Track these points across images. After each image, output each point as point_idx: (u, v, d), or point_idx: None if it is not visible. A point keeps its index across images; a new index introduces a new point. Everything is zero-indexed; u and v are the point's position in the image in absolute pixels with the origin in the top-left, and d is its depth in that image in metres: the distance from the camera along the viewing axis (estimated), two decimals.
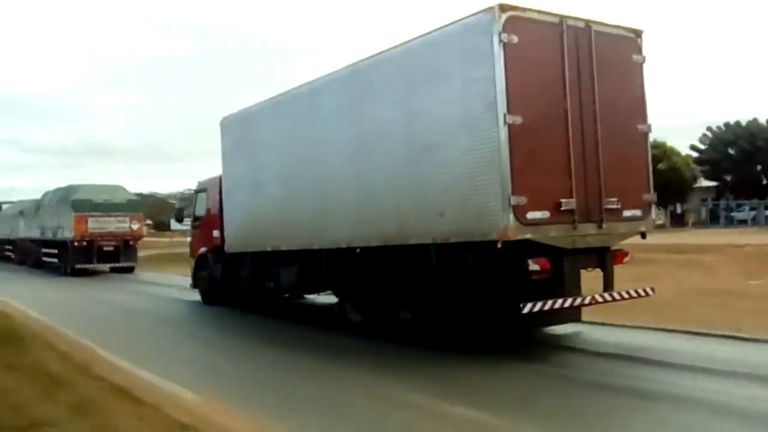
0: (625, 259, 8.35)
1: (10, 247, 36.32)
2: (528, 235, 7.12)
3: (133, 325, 12.11)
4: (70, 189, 25.29)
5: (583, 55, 7.69)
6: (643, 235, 8.42)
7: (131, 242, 24.80)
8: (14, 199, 43.17)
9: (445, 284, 8.08)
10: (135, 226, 24.87)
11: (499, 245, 7.06)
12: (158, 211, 59.79)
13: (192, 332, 11.48)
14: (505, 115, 6.97)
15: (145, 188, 70.39)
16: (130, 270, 24.69)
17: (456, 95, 7.56)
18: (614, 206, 7.83)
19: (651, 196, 8.32)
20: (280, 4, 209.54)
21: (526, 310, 7.14)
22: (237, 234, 12.74)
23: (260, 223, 11.85)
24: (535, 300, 7.26)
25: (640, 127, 8.26)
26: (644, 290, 8.29)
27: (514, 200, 6.97)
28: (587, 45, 7.73)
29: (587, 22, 7.81)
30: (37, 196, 31.77)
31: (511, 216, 6.98)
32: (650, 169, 8.43)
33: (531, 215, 7.12)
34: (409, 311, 8.71)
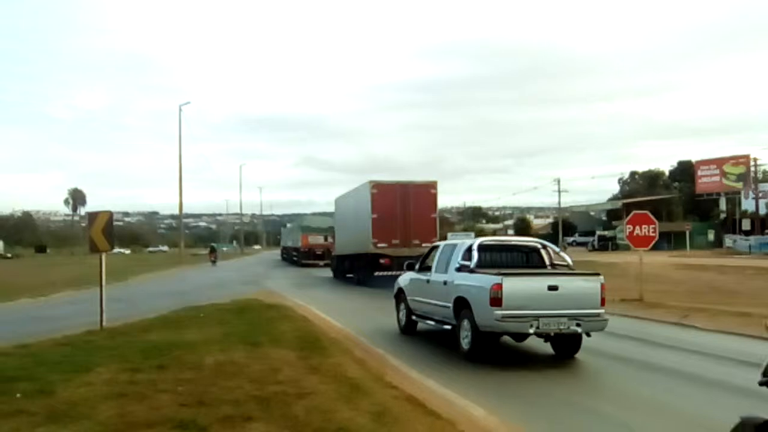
0: None
1: (284, 252, 59.74)
2: (378, 251, 23.44)
3: (312, 282, 30.56)
4: (301, 219, 46.00)
5: (406, 193, 23.72)
6: None
7: (331, 250, 44.14)
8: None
9: (360, 265, 24.82)
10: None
11: (369, 254, 23.59)
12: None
13: (327, 286, 29.20)
14: (371, 214, 23.46)
15: None
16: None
17: (362, 207, 24.29)
18: (417, 242, 23.52)
19: (436, 239, 23.77)
20: (555, 24, 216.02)
21: (376, 274, 23.45)
22: (337, 246, 30.45)
23: (339, 242, 29.47)
24: (382, 271, 23.45)
25: (432, 215, 23.89)
26: None
27: (372, 240, 23.41)
28: (408, 190, 23.75)
29: (409, 182, 23.87)
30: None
31: (371, 245, 23.42)
32: (437, 229, 23.98)
33: (379, 245, 23.46)
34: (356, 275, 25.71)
